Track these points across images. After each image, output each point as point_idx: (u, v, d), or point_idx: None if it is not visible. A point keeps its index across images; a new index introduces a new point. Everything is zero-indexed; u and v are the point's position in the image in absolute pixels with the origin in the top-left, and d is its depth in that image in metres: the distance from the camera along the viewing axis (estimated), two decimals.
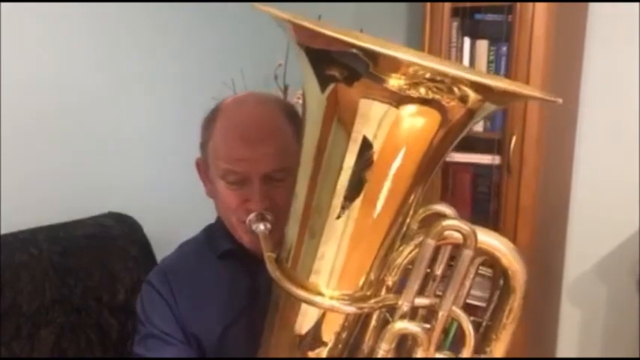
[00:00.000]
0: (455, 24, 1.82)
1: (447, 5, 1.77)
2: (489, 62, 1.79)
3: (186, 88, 2.07)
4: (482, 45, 1.81)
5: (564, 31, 1.77)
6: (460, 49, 1.82)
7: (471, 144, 1.86)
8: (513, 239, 0.69)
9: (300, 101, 0.78)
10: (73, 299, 1.45)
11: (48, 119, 1.67)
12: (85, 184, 1.78)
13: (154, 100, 1.98)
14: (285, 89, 2.09)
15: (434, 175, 0.68)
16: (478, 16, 1.82)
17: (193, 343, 0.96)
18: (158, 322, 0.96)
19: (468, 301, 0.73)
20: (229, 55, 2.18)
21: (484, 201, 1.83)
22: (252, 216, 0.84)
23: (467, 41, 1.83)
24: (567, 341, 2.10)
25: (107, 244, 1.58)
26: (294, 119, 0.90)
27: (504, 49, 1.76)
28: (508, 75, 1.73)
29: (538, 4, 1.62)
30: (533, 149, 1.70)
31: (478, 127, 1.83)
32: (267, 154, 0.85)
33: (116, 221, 1.64)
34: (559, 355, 2.10)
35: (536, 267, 1.75)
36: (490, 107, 0.61)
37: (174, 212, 1.96)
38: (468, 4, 1.78)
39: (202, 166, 0.96)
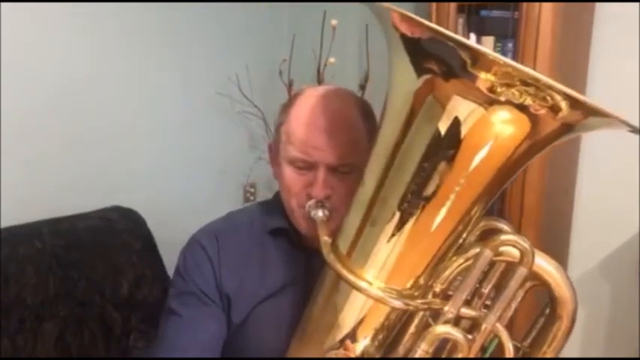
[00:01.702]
0: (461, 20, 1.81)
1: (453, 2, 1.76)
2: None
3: (192, 83, 2.06)
4: (488, 41, 1.80)
5: (571, 28, 1.76)
6: None
7: None
8: (575, 293, 0.68)
9: None
10: (77, 293, 1.46)
11: (52, 113, 1.68)
12: (89, 178, 1.78)
13: (159, 95, 1.98)
14: (290, 85, 2.09)
15: (502, 189, 0.66)
16: (484, 13, 1.80)
17: (226, 307, 0.97)
18: (199, 280, 0.97)
19: (487, 302, 0.72)
20: (234, 50, 2.18)
21: None
22: (311, 202, 0.86)
23: (473, 38, 1.82)
24: (570, 339, 2.10)
25: (111, 238, 1.58)
26: (369, 118, 0.91)
27: (510, 45, 1.75)
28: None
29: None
30: None
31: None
32: (337, 147, 0.86)
33: (120, 215, 1.65)
34: (562, 353, 2.10)
35: None
36: (587, 126, 0.59)
37: (177, 207, 1.96)
38: (474, 2, 1.77)
39: (273, 150, 0.97)
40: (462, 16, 1.80)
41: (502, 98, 0.56)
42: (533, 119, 0.57)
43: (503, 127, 0.59)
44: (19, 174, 1.59)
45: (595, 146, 1.98)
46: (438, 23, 1.80)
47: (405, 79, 0.62)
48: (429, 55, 0.59)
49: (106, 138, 1.83)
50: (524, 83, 0.54)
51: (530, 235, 1.72)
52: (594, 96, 1.94)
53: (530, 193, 1.72)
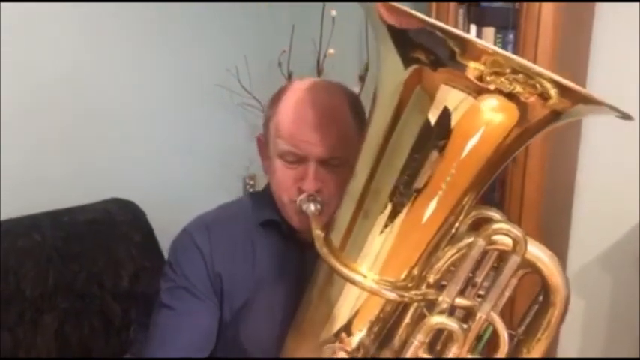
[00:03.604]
0: (461, 11, 1.80)
1: None
2: None
3: (191, 75, 2.06)
4: (489, 33, 1.79)
5: (572, 19, 1.75)
6: None
7: None
8: (567, 279, 0.68)
9: None
10: (77, 285, 1.46)
11: (52, 106, 1.67)
12: (89, 170, 1.77)
13: (157, 87, 1.97)
14: (289, 76, 2.08)
15: (493, 178, 0.66)
16: (485, 4, 1.79)
17: (219, 299, 0.97)
18: (190, 273, 0.96)
19: (480, 292, 0.72)
20: (233, 41, 2.17)
21: (488, 191, 1.82)
22: (303, 196, 0.86)
23: (473, 29, 1.81)
24: (570, 332, 2.10)
25: (111, 230, 1.58)
26: (359, 111, 0.91)
27: (511, 37, 1.74)
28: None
29: None
30: (539, 140, 1.68)
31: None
32: (327, 140, 0.87)
33: (120, 207, 1.64)
34: (561, 346, 2.11)
35: None
36: (576, 112, 0.59)
37: (177, 199, 1.96)
38: None
39: (262, 143, 0.98)
40: (462, 7, 1.79)
41: (491, 87, 0.55)
42: (523, 107, 0.57)
43: (493, 116, 0.59)
44: (18, 167, 1.59)
45: (595, 139, 1.97)
46: (439, 14, 1.80)
47: (393, 70, 0.62)
48: (416, 45, 0.58)
49: (104, 130, 1.82)
50: (514, 71, 0.54)
51: (531, 227, 1.72)
52: (595, 87, 1.93)
53: (531, 185, 1.71)
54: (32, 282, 1.38)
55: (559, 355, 2.09)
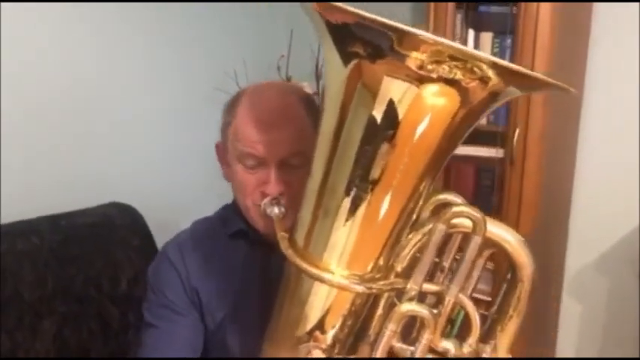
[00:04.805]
0: (459, 16, 1.81)
1: None
2: (493, 55, 1.78)
3: (189, 78, 2.06)
4: (487, 37, 1.80)
5: (569, 24, 1.76)
6: (464, 42, 1.81)
7: (474, 136, 1.84)
8: (532, 255, 0.71)
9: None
10: (75, 289, 1.46)
11: (51, 111, 1.67)
12: (88, 174, 1.78)
13: (156, 91, 1.97)
14: (288, 80, 2.08)
15: (445, 163, 0.68)
16: (482, 9, 1.80)
17: (199, 313, 1.00)
18: (169, 292, 1.00)
19: (474, 295, 0.74)
20: (232, 45, 2.17)
21: (487, 194, 1.83)
22: (267, 200, 0.87)
23: (471, 33, 1.82)
24: (568, 334, 2.10)
25: (109, 233, 1.58)
26: (312, 109, 0.93)
27: (509, 41, 1.75)
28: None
29: None
30: (537, 142, 1.69)
31: (482, 119, 1.82)
32: (284, 139, 0.88)
33: (118, 211, 1.64)
34: (559, 348, 2.11)
35: (538, 260, 1.75)
36: (512, 92, 0.61)
37: (175, 203, 1.96)
38: None
39: (221, 149, 0.99)
40: (460, 12, 1.80)
41: (433, 75, 0.57)
42: (465, 92, 0.59)
43: (438, 103, 0.60)
44: (17, 171, 1.59)
45: (594, 140, 1.98)
46: (436, 19, 1.81)
47: (336, 67, 0.63)
48: (355, 41, 0.59)
49: (103, 134, 1.82)
50: (453, 58, 0.55)
51: (528, 229, 1.72)
52: (593, 91, 1.94)
53: (529, 188, 1.72)
54: (31, 286, 1.38)
55: (557, 356, 2.10)
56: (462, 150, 1.83)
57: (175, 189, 2.03)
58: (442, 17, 1.78)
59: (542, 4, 1.61)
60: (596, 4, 1.88)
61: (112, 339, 1.50)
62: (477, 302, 0.72)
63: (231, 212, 1.02)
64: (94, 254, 1.51)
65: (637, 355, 1.89)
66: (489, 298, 0.77)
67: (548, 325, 2.05)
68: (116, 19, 1.81)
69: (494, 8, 1.78)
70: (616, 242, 1.96)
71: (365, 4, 0.57)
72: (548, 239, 1.92)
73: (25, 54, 1.60)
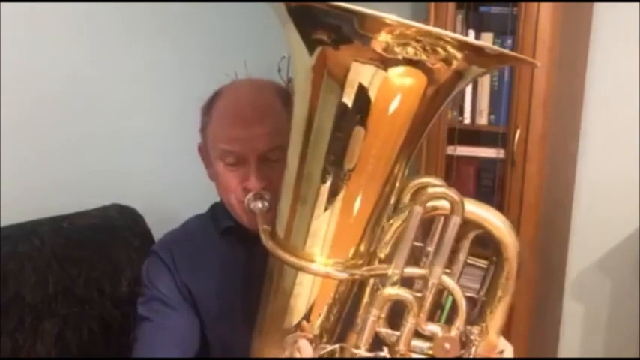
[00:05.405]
0: (460, 17, 1.81)
1: None
2: None
3: (189, 79, 2.06)
4: (487, 38, 1.80)
5: (570, 24, 1.76)
6: None
7: (475, 137, 1.85)
8: (516, 234, 0.71)
9: None
10: (76, 290, 1.46)
11: (52, 112, 1.67)
12: (89, 176, 1.77)
13: (156, 92, 1.97)
14: (289, 82, 2.08)
15: (420, 144, 0.68)
16: (483, 9, 1.81)
17: (192, 307, 1.02)
18: (161, 286, 1.03)
19: (467, 294, 0.74)
20: (232, 46, 2.17)
21: (488, 195, 1.83)
22: (250, 195, 0.89)
23: (472, 34, 1.82)
24: (570, 336, 2.10)
25: (110, 235, 1.58)
26: (288, 102, 0.93)
27: (509, 42, 1.75)
28: (512, 67, 1.72)
29: None
30: (538, 143, 1.69)
31: (483, 120, 1.82)
32: (262, 134, 0.90)
33: (119, 213, 1.64)
34: (561, 349, 2.11)
35: (539, 262, 1.75)
36: (476, 70, 0.62)
37: (176, 204, 1.96)
38: None
39: (203, 151, 1.01)
40: (460, 12, 1.80)
41: (400, 57, 0.57)
42: (431, 72, 0.59)
43: (406, 85, 0.60)
44: (17, 173, 1.59)
45: (594, 142, 1.98)
46: (437, 19, 1.81)
47: (302, 56, 0.63)
48: (320, 28, 0.59)
49: (104, 136, 1.82)
50: (417, 40, 0.56)
51: (530, 231, 1.72)
52: (593, 91, 1.94)
53: (529, 189, 1.72)
54: (32, 287, 1.38)
55: (559, 356, 2.10)
56: (463, 151, 1.84)
57: (176, 190, 2.03)
58: (442, 17, 1.78)
59: (543, 5, 1.62)
60: (596, 4, 1.88)
61: (113, 340, 1.50)
62: (468, 300, 0.72)
63: (221, 210, 1.04)
64: (95, 256, 1.51)
65: (638, 356, 1.88)
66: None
67: (550, 326, 2.05)
68: (116, 20, 1.81)
69: (495, 8, 1.79)
70: (617, 243, 1.96)
71: (365, 4, 0.58)
72: (550, 240, 1.92)
73: (25, 54, 1.60)
